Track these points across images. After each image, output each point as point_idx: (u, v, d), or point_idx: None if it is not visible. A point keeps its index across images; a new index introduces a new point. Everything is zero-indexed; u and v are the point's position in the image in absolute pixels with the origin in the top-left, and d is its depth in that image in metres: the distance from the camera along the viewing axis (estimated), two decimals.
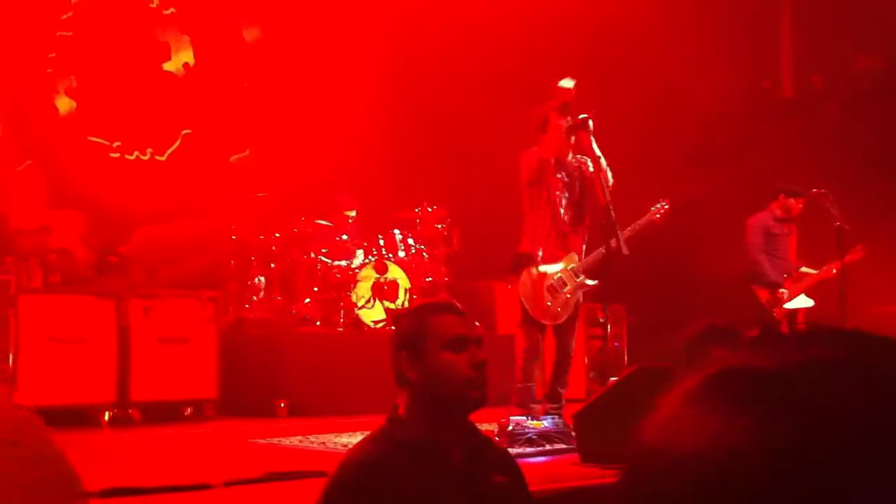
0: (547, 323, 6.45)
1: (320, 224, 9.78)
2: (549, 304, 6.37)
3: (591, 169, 6.43)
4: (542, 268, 6.40)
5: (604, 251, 6.31)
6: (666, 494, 0.56)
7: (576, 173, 6.54)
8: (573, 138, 6.44)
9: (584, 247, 6.53)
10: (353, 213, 9.96)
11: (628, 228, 6.40)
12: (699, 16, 11.06)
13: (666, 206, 6.59)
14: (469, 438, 2.61)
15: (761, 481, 0.53)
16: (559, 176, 6.47)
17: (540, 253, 6.42)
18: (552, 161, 6.40)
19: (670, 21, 11.15)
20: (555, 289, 6.37)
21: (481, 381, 2.55)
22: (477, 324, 2.68)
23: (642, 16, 11.16)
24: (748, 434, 0.54)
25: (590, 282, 6.46)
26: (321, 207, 9.94)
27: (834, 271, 7.99)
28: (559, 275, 6.39)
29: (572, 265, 6.41)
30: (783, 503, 0.52)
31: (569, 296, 6.41)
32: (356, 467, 2.44)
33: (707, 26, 11.01)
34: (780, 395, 0.55)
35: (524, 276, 6.41)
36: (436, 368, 2.52)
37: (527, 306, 6.38)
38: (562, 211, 6.47)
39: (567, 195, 6.50)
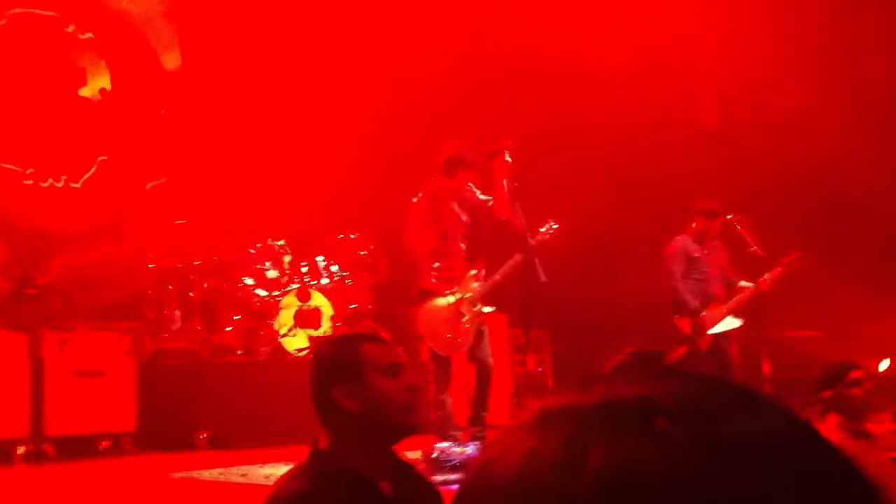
0: (449, 355, 6.48)
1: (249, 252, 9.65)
2: (448, 335, 6.39)
3: (488, 200, 6.54)
4: (439, 301, 6.43)
5: (498, 279, 6.42)
6: None
7: (469, 202, 6.60)
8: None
9: (481, 274, 6.57)
10: (280, 242, 9.86)
11: (521, 250, 6.45)
12: (624, 44, 11.25)
13: (555, 226, 6.66)
14: (395, 467, 2.60)
15: None
16: (455, 208, 6.53)
17: (438, 285, 6.45)
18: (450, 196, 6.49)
19: (591, 49, 11.33)
20: (452, 320, 6.40)
21: (417, 406, 2.59)
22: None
23: (569, 48, 11.32)
24: (551, 463, 0.57)
25: (487, 309, 6.51)
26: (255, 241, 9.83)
27: (766, 278, 7.96)
28: (455, 305, 6.42)
29: (468, 294, 6.44)
30: None
31: (468, 325, 6.44)
32: (286, 502, 2.38)
33: (632, 55, 11.20)
34: (575, 433, 0.58)
35: (421, 310, 6.45)
36: (377, 396, 2.50)
37: (427, 340, 6.41)
38: (461, 244, 6.53)
39: (463, 226, 6.56)
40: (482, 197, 6.60)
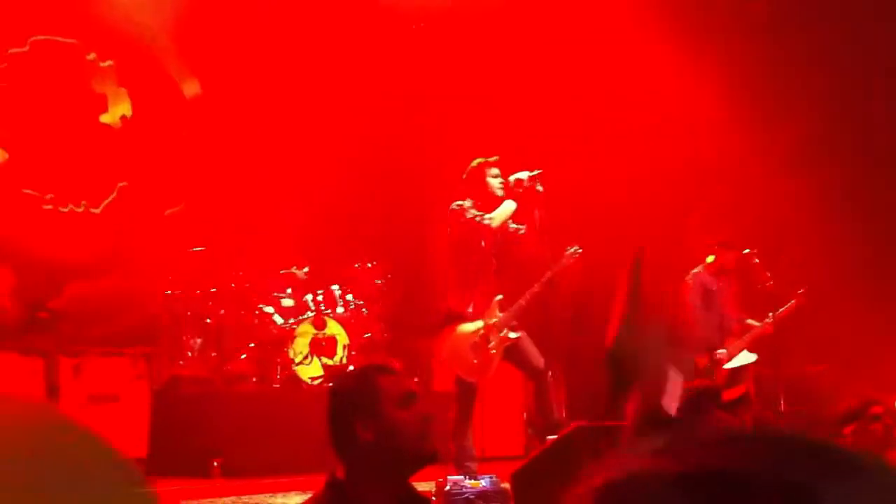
0: (474, 381, 6.45)
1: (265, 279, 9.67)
2: (474, 361, 6.36)
3: (520, 230, 6.54)
4: (465, 326, 6.40)
5: (524, 304, 6.40)
6: None
7: (504, 229, 6.60)
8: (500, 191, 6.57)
9: (502, 300, 6.56)
10: (305, 270, 9.87)
11: (545, 275, 6.45)
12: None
13: (579, 251, 6.65)
14: (410, 499, 2.63)
15: None
16: (487, 233, 6.54)
17: (470, 310, 6.44)
18: (485, 220, 6.47)
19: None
20: (479, 346, 6.37)
21: (431, 435, 2.66)
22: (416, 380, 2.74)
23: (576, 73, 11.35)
24: None
25: (513, 335, 6.47)
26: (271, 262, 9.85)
27: (775, 316, 7.93)
28: (482, 331, 6.39)
29: (494, 320, 6.43)
30: None
31: (493, 351, 6.41)
32: None
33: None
34: None
35: (445, 335, 6.42)
36: (392, 426, 2.57)
37: (452, 366, 6.38)
38: (492, 270, 6.53)
39: (494, 252, 6.57)
40: (514, 226, 6.60)
